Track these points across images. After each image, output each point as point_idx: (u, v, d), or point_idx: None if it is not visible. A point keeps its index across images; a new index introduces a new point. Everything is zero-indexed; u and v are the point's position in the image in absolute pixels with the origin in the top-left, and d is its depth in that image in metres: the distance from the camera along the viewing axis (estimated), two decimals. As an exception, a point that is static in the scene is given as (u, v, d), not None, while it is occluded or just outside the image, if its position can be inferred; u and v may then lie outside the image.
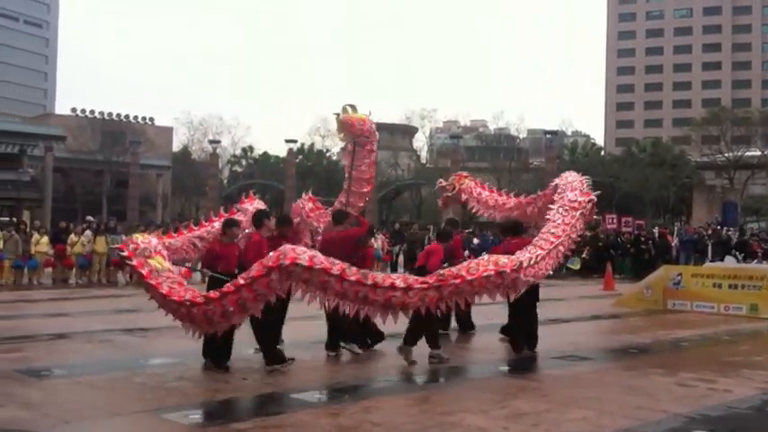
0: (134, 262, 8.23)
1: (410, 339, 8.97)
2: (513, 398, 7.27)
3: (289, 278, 7.50)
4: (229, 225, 9.08)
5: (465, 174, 12.33)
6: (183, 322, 7.90)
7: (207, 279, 8.86)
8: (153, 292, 8.05)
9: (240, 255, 8.76)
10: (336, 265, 7.59)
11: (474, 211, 11.87)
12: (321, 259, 7.58)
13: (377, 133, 10.28)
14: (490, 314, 11.64)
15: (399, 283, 7.77)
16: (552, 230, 9.21)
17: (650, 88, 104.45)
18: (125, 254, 8.39)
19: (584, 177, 10.44)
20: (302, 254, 7.50)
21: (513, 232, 10.24)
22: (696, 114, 76.09)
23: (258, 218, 8.97)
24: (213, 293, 7.67)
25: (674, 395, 7.48)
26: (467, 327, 11.59)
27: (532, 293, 10.00)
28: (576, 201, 9.73)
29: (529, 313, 10.06)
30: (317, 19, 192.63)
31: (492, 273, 8.08)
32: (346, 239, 9.39)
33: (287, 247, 7.63)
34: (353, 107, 10.09)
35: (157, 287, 7.93)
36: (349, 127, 9.99)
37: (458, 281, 7.91)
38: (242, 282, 7.49)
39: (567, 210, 9.57)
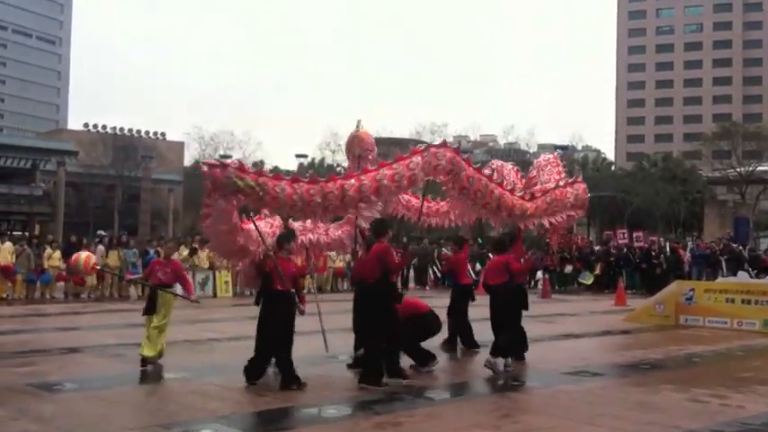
0: (243, 180, 8.01)
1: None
2: (524, 413, 7.25)
3: (437, 162, 8.79)
4: (287, 239, 8.59)
5: None
6: (307, 209, 8.32)
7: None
8: (273, 185, 8.11)
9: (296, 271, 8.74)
10: None
11: (407, 219, 11.54)
12: None
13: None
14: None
15: (506, 186, 9.75)
16: (551, 183, 10.57)
17: (661, 103, 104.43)
18: (236, 171, 7.99)
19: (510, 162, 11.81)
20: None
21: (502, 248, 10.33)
22: (707, 129, 75.93)
23: (377, 228, 8.76)
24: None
25: (687, 411, 7.44)
26: (471, 345, 11.56)
27: (520, 303, 10.12)
28: (546, 159, 11.25)
29: (517, 324, 10.25)
30: (318, 19, 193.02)
31: (562, 181, 10.27)
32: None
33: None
34: (359, 122, 10.51)
35: (272, 185, 8.11)
36: (363, 142, 10.32)
37: (545, 191, 9.95)
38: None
39: (549, 168, 10.97)
